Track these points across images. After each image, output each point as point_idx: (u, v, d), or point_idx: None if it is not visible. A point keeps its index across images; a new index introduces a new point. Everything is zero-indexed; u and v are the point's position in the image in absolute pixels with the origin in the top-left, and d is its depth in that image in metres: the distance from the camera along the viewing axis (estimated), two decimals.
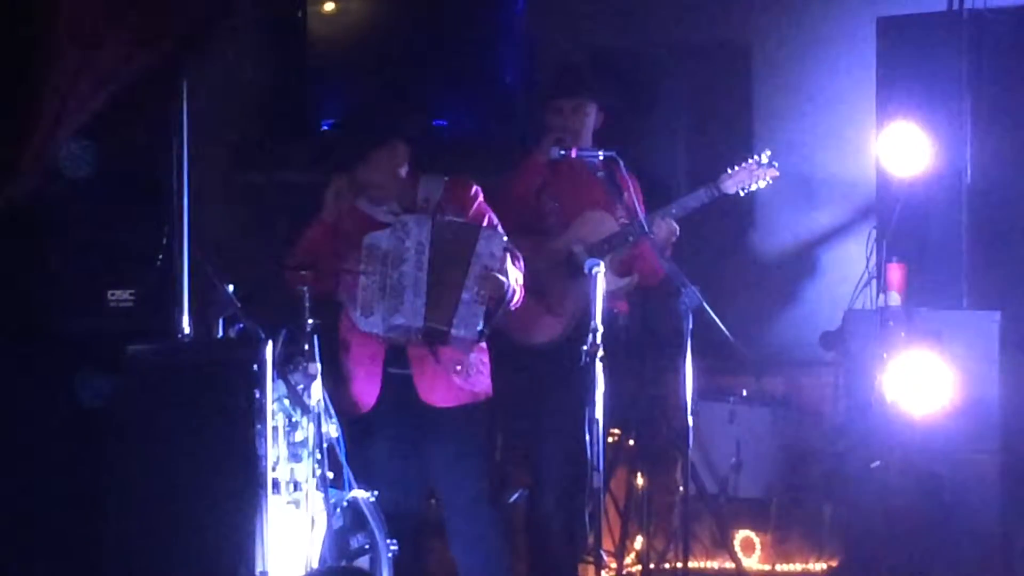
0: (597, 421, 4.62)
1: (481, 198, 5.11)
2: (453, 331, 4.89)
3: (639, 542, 6.00)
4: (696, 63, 6.57)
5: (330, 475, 4.70)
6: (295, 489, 4.61)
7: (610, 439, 5.72)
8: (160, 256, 3.82)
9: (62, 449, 3.71)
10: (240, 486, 4.03)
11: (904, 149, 5.73)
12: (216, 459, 3.92)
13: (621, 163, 5.10)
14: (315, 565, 4.59)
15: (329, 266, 4.95)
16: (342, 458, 4.77)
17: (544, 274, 5.42)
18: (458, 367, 4.99)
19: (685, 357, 4.83)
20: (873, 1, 6.17)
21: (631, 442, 5.95)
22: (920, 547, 5.53)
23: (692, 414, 4.92)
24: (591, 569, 5.46)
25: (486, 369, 5.09)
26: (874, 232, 5.86)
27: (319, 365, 4.65)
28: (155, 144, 3.89)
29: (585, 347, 4.60)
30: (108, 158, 3.73)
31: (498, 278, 4.91)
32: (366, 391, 5.01)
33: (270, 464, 4.31)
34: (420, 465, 5.09)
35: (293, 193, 5.73)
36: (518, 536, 5.72)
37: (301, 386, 4.61)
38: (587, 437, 4.62)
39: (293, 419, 4.62)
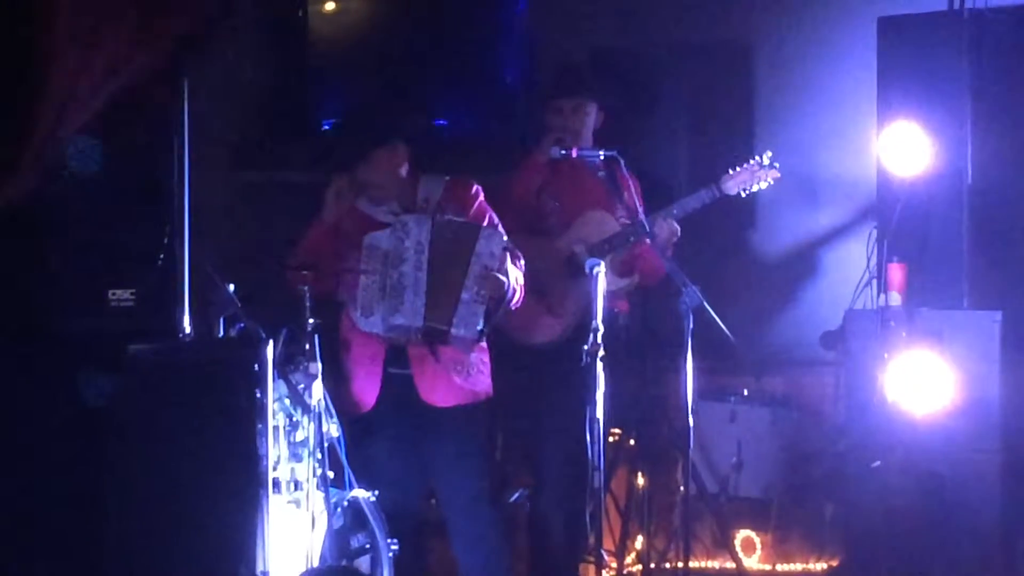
0: (598, 421, 4.62)
1: (482, 198, 5.11)
2: (453, 331, 4.89)
3: (640, 542, 5.99)
4: (696, 63, 6.57)
5: (331, 475, 4.70)
6: (296, 488, 4.61)
7: (611, 439, 5.72)
8: (161, 256, 3.82)
9: (62, 449, 3.71)
10: (241, 485, 4.03)
11: (905, 149, 5.73)
12: (217, 458, 3.92)
13: (622, 163, 5.10)
14: (316, 564, 4.59)
15: (330, 266, 4.95)
16: (343, 458, 4.77)
17: (545, 274, 5.41)
18: (458, 367, 4.99)
19: (686, 357, 4.83)
20: (874, 1, 6.17)
21: (632, 442, 5.95)
22: (921, 547, 5.53)
23: (693, 414, 4.91)
24: (592, 569, 5.45)
25: (487, 369, 5.09)
26: (875, 232, 5.86)
27: (320, 364, 4.65)
28: (156, 144, 3.89)
29: (586, 347, 4.60)
30: (109, 158, 3.74)
31: (498, 278, 4.91)
32: (366, 391, 5.01)
33: (271, 463, 4.31)
34: (420, 465, 5.09)
35: (293, 193, 5.72)
36: (519, 536, 5.72)
37: (302, 386, 4.61)
38: (588, 437, 4.62)
39: (294, 418, 4.62)
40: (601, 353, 4.60)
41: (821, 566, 6.13)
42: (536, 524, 5.63)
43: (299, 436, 4.63)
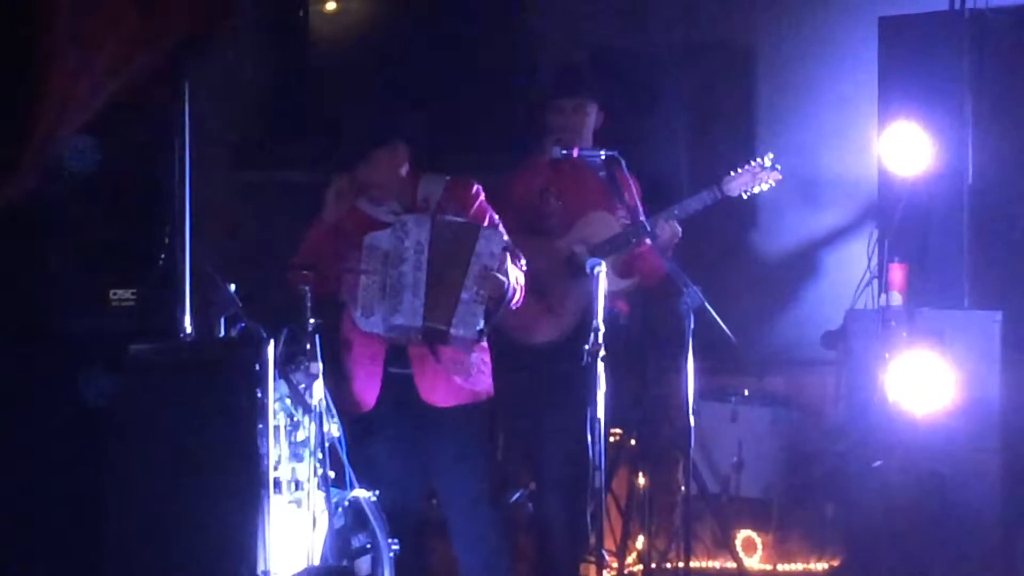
0: (599, 420, 4.62)
1: (482, 197, 5.10)
2: (453, 331, 4.88)
3: (641, 542, 5.99)
4: (697, 63, 6.57)
5: (332, 474, 4.70)
6: (297, 488, 4.61)
7: (612, 439, 5.72)
8: (162, 256, 3.82)
9: (62, 449, 3.71)
10: (242, 485, 4.02)
11: (906, 149, 5.73)
12: (218, 458, 3.92)
13: (623, 163, 5.10)
14: (316, 564, 4.60)
15: (330, 266, 4.95)
16: (344, 457, 4.77)
17: (546, 274, 5.41)
18: (459, 367, 4.99)
19: (687, 357, 4.83)
20: (874, 1, 6.17)
21: (633, 442, 5.95)
22: (921, 546, 5.53)
23: (694, 414, 4.91)
24: (593, 569, 5.45)
25: (487, 369, 5.09)
26: (876, 232, 5.86)
27: (321, 364, 4.65)
28: (156, 144, 3.89)
29: (587, 347, 4.60)
30: (109, 158, 3.73)
31: (498, 278, 4.91)
32: (367, 391, 5.01)
33: (272, 463, 4.30)
34: (421, 465, 5.09)
35: (293, 193, 5.73)
36: (520, 536, 5.72)
37: (303, 385, 4.61)
38: (589, 437, 4.62)
39: (295, 418, 4.62)
40: (602, 353, 4.60)
41: (822, 566, 6.13)
42: (537, 524, 5.63)
43: (300, 436, 4.63)
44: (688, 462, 5.14)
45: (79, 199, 3.75)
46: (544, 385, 5.43)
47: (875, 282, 5.81)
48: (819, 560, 6.13)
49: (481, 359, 5.06)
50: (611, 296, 5.16)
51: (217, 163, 5.81)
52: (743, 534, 6.21)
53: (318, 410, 4.62)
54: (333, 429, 4.70)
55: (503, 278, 4.92)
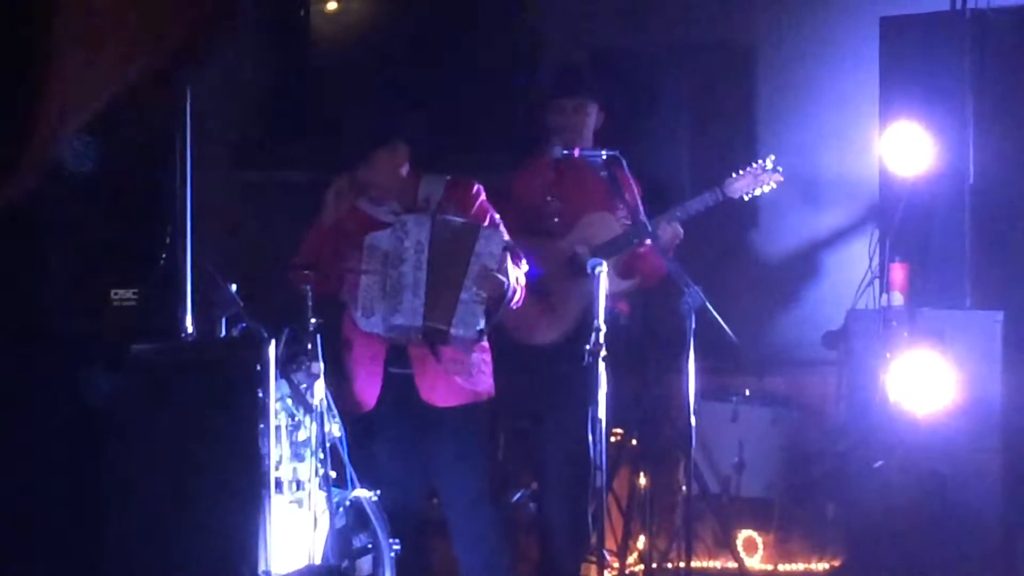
0: (600, 421, 4.62)
1: (483, 197, 5.10)
2: (452, 331, 4.88)
3: (642, 542, 5.99)
4: (697, 63, 6.56)
5: (333, 474, 4.70)
6: (298, 488, 4.61)
7: (613, 439, 5.72)
8: (163, 256, 3.81)
9: (63, 449, 3.71)
10: (243, 485, 4.02)
11: (907, 149, 5.73)
12: (219, 458, 3.92)
13: (624, 162, 5.09)
14: (318, 564, 4.60)
15: (331, 266, 4.95)
16: (345, 457, 4.77)
17: (547, 274, 5.41)
18: (459, 367, 4.99)
19: (688, 357, 4.83)
20: (875, 1, 6.17)
21: (634, 442, 5.95)
22: (922, 546, 5.53)
23: (694, 414, 4.91)
24: (594, 568, 5.45)
25: (488, 368, 5.09)
26: (877, 232, 5.86)
27: (322, 364, 4.65)
28: (157, 144, 3.89)
29: (588, 347, 4.60)
30: (109, 158, 3.73)
31: (497, 277, 4.90)
32: (367, 391, 5.01)
33: (273, 463, 4.30)
34: (422, 464, 5.09)
35: (293, 193, 5.73)
36: (521, 536, 5.72)
37: (304, 385, 4.61)
38: (590, 437, 4.62)
39: (296, 418, 4.62)
40: (603, 353, 4.60)
41: (823, 566, 6.12)
42: (538, 524, 5.63)
43: (301, 436, 4.63)
44: (689, 462, 5.14)
45: (79, 199, 3.74)
46: (545, 385, 5.43)
47: (876, 282, 5.81)
48: (820, 560, 6.13)
49: (482, 359, 5.06)
50: (612, 296, 5.16)
51: (217, 163, 5.81)
52: (744, 534, 6.20)
53: (319, 410, 4.63)
54: (334, 429, 4.70)
55: (503, 278, 4.91)
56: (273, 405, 4.27)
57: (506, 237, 4.99)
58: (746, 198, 5.55)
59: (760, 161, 5.54)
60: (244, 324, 4.34)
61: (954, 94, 5.70)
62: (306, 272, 4.75)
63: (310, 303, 4.65)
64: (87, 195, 3.74)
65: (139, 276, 3.78)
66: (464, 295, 4.88)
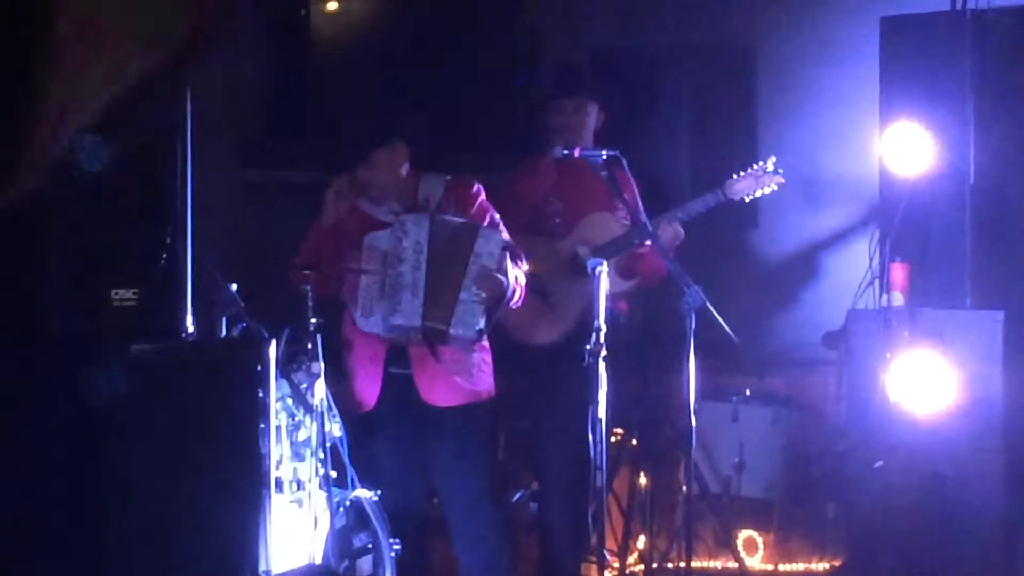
0: (600, 420, 4.62)
1: (483, 197, 5.10)
2: (452, 330, 4.88)
3: (642, 542, 5.99)
4: (697, 63, 6.57)
5: (333, 474, 4.70)
6: (298, 488, 4.61)
7: (613, 439, 5.72)
8: (163, 255, 3.81)
9: (62, 449, 3.70)
10: (243, 485, 4.02)
11: (907, 149, 5.72)
12: (219, 458, 3.91)
13: (624, 162, 5.09)
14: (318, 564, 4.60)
15: (332, 266, 4.95)
16: (345, 457, 4.77)
17: (548, 274, 5.41)
18: (459, 366, 4.99)
19: (688, 357, 4.83)
20: (876, 1, 6.17)
21: (634, 442, 5.95)
22: (923, 547, 5.52)
23: (695, 414, 4.91)
24: (594, 568, 5.45)
25: (488, 368, 5.09)
26: (877, 232, 5.86)
27: (322, 364, 4.65)
28: (157, 144, 3.89)
29: (588, 347, 4.60)
30: (110, 158, 3.72)
31: (497, 277, 4.90)
32: (367, 390, 5.01)
33: (273, 463, 4.30)
34: (422, 464, 5.09)
35: (293, 193, 5.73)
36: (521, 536, 5.72)
37: (304, 385, 4.61)
38: (590, 437, 4.62)
39: (296, 418, 4.62)
40: (603, 353, 4.60)
41: (823, 566, 6.12)
42: (539, 524, 5.63)
43: (301, 436, 4.63)
44: (689, 462, 5.14)
45: (79, 199, 3.74)
46: (545, 385, 5.43)
47: (876, 282, 5.80)
48: (820, 560, 6.13)
49: (482, 359, 5.06)
50: (612, 296, 5.16)
51: (218, 163, 5.81)
52: (744, 534, 6.21)
53: (319, 410, 4.63)
54: (335, 429, 4.71)
55: (502, 278, 4.91)
56: (273, 405, 4.26)
57: (506, 237, 4.99)
58: (747, 199, 5.55)
59: (761, 162, 5.55)
60: (244, 324, 4.34)
61: (954, 94, 5.70)
62: (306, 272, 4.75)
63: (310, 303, 4.65)
64: (87, 195, 3.74)
65: (139, 276, 3.78)
66: (463, 295, 4.87)
